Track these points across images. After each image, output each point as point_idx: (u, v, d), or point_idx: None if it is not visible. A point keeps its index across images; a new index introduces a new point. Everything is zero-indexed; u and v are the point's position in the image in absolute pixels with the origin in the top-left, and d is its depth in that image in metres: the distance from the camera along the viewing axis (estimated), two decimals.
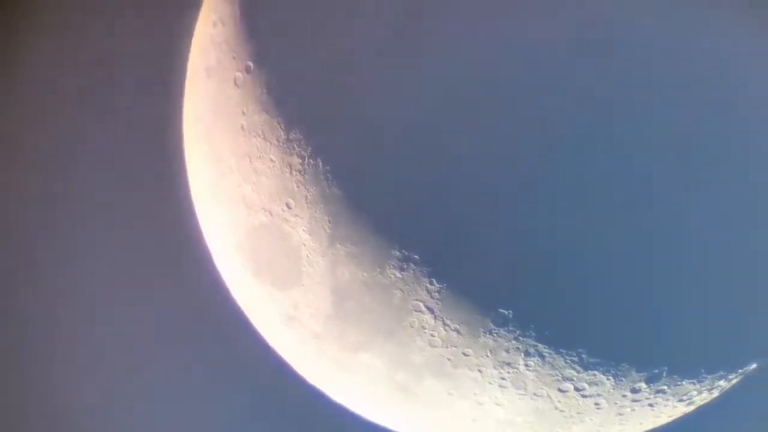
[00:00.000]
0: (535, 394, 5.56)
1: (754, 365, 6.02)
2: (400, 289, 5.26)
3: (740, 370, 5.97)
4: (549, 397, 5.58)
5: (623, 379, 5.50)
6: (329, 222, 5.29)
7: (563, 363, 5.35)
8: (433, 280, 5.16)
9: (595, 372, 5.42)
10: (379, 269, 5.24)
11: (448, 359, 5.45)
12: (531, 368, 5.40)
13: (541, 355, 5.33)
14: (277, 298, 5.89)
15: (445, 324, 5.30)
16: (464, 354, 5.40)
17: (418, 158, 4.95)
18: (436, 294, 5.20)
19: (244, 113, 5.59)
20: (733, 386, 6.18)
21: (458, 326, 5.29)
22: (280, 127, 5.38)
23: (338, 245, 5.31)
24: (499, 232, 4.96)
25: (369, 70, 5.07)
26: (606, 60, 4.85)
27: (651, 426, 6.28)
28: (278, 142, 5.40)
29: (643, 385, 5.58)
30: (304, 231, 5.42)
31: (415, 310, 5.31)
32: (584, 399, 5.61)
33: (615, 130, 4.88)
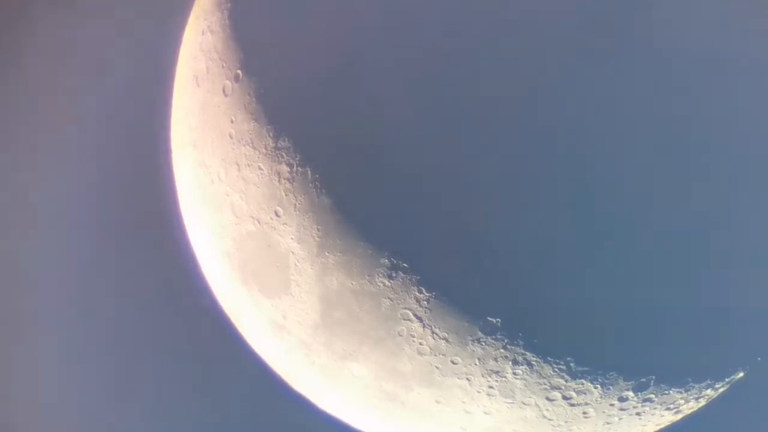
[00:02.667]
0: (523, 402, 5.56)
1: (741, 374, 6.04)
2: (389, 298, 5.25)
3: (727, 379, 5.99)
4: (537, 405, 5.58)
5: (611, 387, 5.50)
6: (318, 230, 5.29)
7: (551, 371, 5.36)
8: (422, 288, 5.15)
9: (583, 380, 5.42)
10: (368, 278, 5.23)
11: (437, 368, 5.44)
12: (519, 377, 5.40)
13: (529, 364, 5.33)
14: (265, 306, 5.87)
15: (433, 332, 5.30)
16: (453, 362, 5.40)
17: (407, 167, 4.96)
18: (425, 303, 5.20)
19: (232, 121, 5.59)
20: (720, 395, 6.20)
21: (447, 335, 5.28)
22: (269, 135, 5.37)
23: (327, 254, 5.30)
24: (489, 241, 4.97)
25: (357, 78, 5.08)
26: (605, 61, 4.89)
27: None
28: (267, 150, 5.39)
29: (630, 393, 5.59)
30: (293, 239, 5.41)
31: (404, 319, 5.30)
32: (572, 408, 5.62)
33: (606, 143, 4.90)
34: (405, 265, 5.12)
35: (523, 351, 5.27)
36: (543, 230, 4.93)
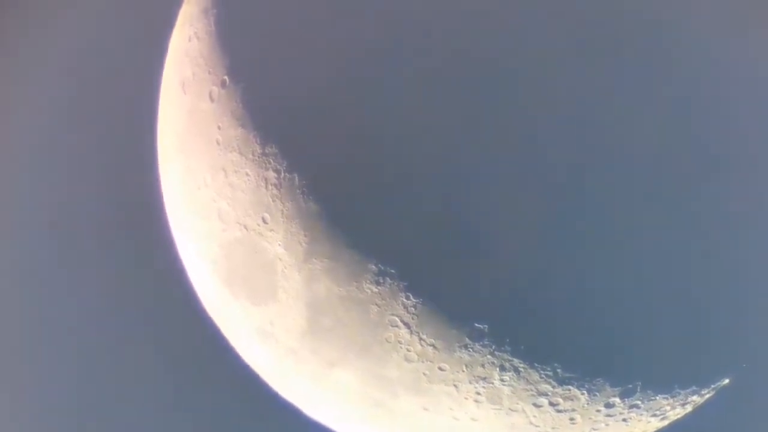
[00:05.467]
0: (510, 409, 5.56)
1: (726, 380, 6.06)
2: (377, 304, 5.24)
3: (712, 386, 6.01)
4: (524, 412, 5.58)
5: (597, 393, 5.51)
6: (305, 236, 5.28)
7: (538, 378, 5.36)
8: (410, 294, 5.15)
9: (570, 387, 5.43)
10: (355, 284, 5.22)
11: (424, 374, 5.44)
12: (506, 383, 5.40)
13: (517, 370, 5.33)
14: (252, 313, 5.85)
15: (421, 339, 5.29)
16: (440, 369, 5.39)
17: (394, 173, 4.96)
18: (413, 309, 5.19)
19: (219, 128, 5.57)
20: (706, 401, 6.21)
21: (434, 341, 5.28)
22: (256, 141, 5.37)
23: (314, 260, 5.29)
24: (476, 247, 4.97)
25: (345, 84, 5.08)
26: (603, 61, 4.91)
27: None
28: (254, 156, 5.39)
29: (617, 399, 5.59)
30: (280, 246, 5.40)
31: (392, 325, 5.29)
32: (559, 414, 5.62)
33: (600, 149, 4.93)
34: (392, 271, 5.12)
35: (510, 357, 5.27)
36: (531, 237, 4.94)
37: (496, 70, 4.90)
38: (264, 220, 5.42)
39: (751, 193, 5.33)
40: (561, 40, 4.90)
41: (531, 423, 5.68)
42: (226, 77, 5.55)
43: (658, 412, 5.92)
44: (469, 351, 5.28)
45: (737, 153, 5.23)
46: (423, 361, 5.38)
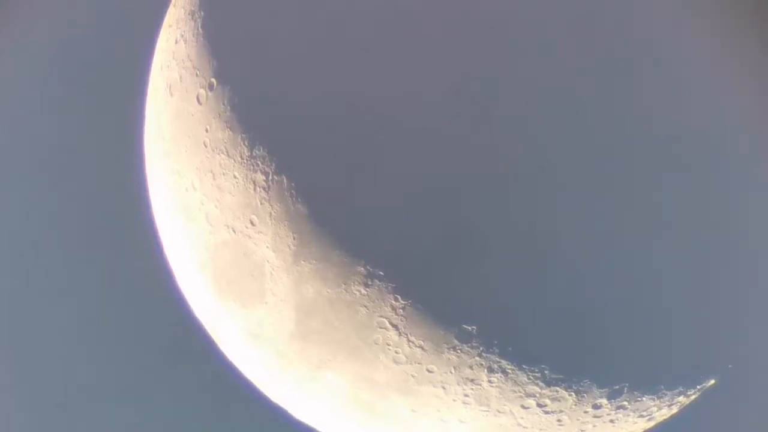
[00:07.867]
0: (498, 410, 5.57)
1: (712, 381, 6.09)
2: (365, 306, 5.24)
3: (698, 387, 6.03)
4: (512, 413, 5.59)
5: (585, 395, 5.53)
6: (294, 239, 5.27)
7: (526, 379, 5.37)
8: (398, 296, 5.15)
9: (558, 388, 5.44)
10: (343, 286, 5.22)
11: (412, 376, 5.44)
12: (494, 384, 5.41)
13: (505, 372, 5.34)
14: (240, 315, 5.84)
15: (409, 340, 5.29)
16: (428, 371, 5.40)
17: (383, 175, 4.96)
18: (401, 310, 5.19)
19: (207, 130, 5.56)
20: (692, 402, 6.24)
21: (422, 343, 5.28)
22: (244, 143, 5.36)
23: (303, 262, 5.28)
24: (464, 248, 4.98)
25: (332, 86, 5.08)
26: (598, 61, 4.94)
27: None
28: (242, 158, 5.38)
29: (604, 401, 5.61)
30: (268, 248, 5.39)
31: (380, 327, 5.29)
32: (546, 415, 5.63)
33: (585, 156, 4.95)
34: (381, 273, 5.12)
35: (498, 359, 5.28)
36: (520, 239, 4.95)
37: (490, 69, 4.91)
38: (252, 223, 5.41)
39: (730, 197, 5.36)
40: (557, 39, 4.92)
41: (519, 424, 5.69)
42: (213, 79, 5.54)
43: (644, 413, 5.95)
44: (458, 352, 5.28)
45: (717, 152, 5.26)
46: (411, 363, 5.38)
